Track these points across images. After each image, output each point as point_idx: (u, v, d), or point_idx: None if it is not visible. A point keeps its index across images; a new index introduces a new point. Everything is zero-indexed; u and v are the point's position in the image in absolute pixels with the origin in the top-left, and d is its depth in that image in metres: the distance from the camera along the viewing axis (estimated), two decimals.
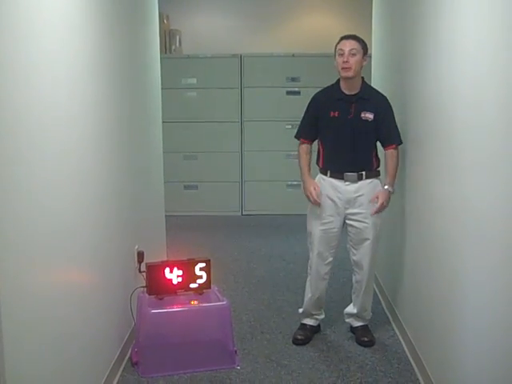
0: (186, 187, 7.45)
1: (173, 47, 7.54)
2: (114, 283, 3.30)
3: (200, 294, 3.51)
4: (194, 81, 7.36)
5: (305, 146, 3.66)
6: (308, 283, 3.75)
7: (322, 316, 3.83)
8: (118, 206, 3.37)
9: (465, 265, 2.57)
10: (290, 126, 7.10)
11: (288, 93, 7.40)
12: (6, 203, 1.90)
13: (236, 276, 4.99)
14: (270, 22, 7.93)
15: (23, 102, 2.05)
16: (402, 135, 3.58)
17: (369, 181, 3.54)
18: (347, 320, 3.82)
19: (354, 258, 3.66)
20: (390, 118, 3.55)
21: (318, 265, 3.64)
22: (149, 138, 4.33)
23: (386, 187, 3.52)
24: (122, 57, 3.49)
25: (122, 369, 3.35)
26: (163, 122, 4.88)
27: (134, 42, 3.87)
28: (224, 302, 3.44)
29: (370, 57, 5.15)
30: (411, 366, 3.38)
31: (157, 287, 3.43)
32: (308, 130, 3.65)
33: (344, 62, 3.45)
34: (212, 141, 7.34)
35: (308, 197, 3.57)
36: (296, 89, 7.39)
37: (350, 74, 3.44)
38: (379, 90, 3.67)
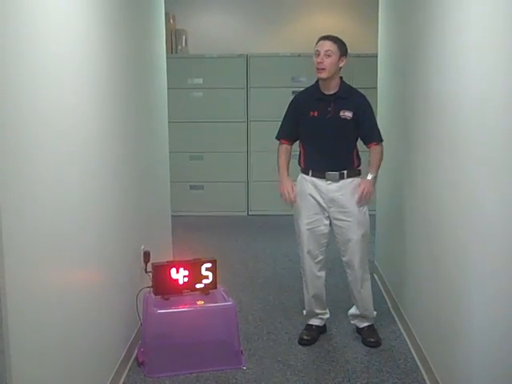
0: (191, 187, 7.45)
1: (179, 47, 7.54)
2: (120, 283, 3.31)
3: (206, 294, 3.51)
4: (200, 81, 7.36)
5: (284, 147, 3.68)
6: (304, 284, 3.75)
7: (327, 315, 3.82)
8: (125, 206, 3.37)
9: (471, 264, 2.57)
10: None
11: (294, 93, 7.31)
12: (12, 204, 1.90)
13: (242, 276, 4.99)
14: (275, 22, 7.92)
15: (28, 102, 2.05)
16: (405, 134, 3.59)
17: (350, 180, 3.53)
18: (352, 322, 3.81)
19: (344, 258, 3.66)
20: (370, 116, 3.56)
21: (310, 263, 3.64)
22: (155, 138, 4.34)
23: (368, 176, 3.54)
24: (129, 57, 3.49)
25: (128, 369, 3.35)
26: (169, 122, 4.88)
27: (140, 42, 3.87)
28: (230, 303, 3.44)
29: (376, 56, 5.16)
30: (417, 366, 3.38)
31: (163, 287, 3.44)
32: (288, 130, 3.66)
33: (319, 62, 3.48)
34: (218, 141, 7.34)
35: (282, 196, 3.59)
36: (302, 89, 7.35)
37: (323, 75, 3.47)
38: (359, 90, 3.63)
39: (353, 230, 3.54)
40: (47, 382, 2.23)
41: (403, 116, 4.02)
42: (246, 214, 7.28)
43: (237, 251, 5.72)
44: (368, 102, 3.56)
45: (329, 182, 3.53)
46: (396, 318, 4.04)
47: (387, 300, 4.38)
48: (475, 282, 2.53)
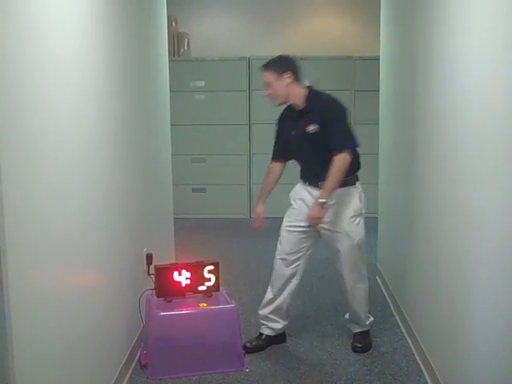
0: (194, 190, 7.46)
1: (181, 50, 7.56)
2: (123, 285, 3.31)
3: (208, 297, 3.52)
4: (203, 84, 7.37)
5: (272, 165, 3.66)
6: (270, 284, 3.69)
7: (280, 326, 3.69)
8: (127, 208, 3.38)
9: (472, 266, 2.57)
10: None
11: None
12: (16, 208, 1.91)
13: (244, 278, 4.99)
14: (278, 24, 7.94)
15: (29, 106, 2.04)
16: (407, 138, 3.51)
17: (342, 189, 3.40)
18: (347, 326, 3.78)
19: (336, 266, 3.60)
20: (334, 122, 3.34)
21: (281, 264, 3.59)
22: (157, 140, 4.35)
23: (318, 199, 3.34)
24: (131, 60, 3.50)
25: (130, 371, 3.36)
26: (171, 124, 4.89)
27: (142, 45, 3.89)
28: (232, 305, 3.44)
29: (378, 59, 5.16)
30: (420, 369, 3.37)
31: (165, 289, 3.44)
32: (277, 150, 3.64)
33: (266, 95, 3.49)
34: (220, 144, 7.35)
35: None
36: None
37: (276, 102, 3.47)
38: (330, 95, 3.48)
39: (341, 240, 3.46)
40: None
41: (405, 119, 4.02)
42: (248, 216, 7.28)
43: (239, 253, 5.73)
44: (333, 106, 3.39)
45: (321, 190, 3.42)
46: (398, 321, 4.04)
47: (389, 302, 4.38)
48: (477, 284, 2.53)
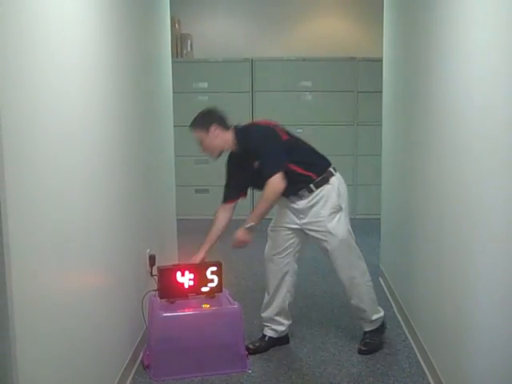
0: (197, 191, 7.47)
1: (184, 51, 7.57)
2: (126, 287, 3.32)
3: (211, 298, 3.52)
4: (206, 85, 7.38)
5: (221, 210, 3.68)
6: (266, 287, 3.72)
7: (283, 328, 3.71)
8: (130, 209, 3.38)
9: (476, 267, 2.57)
10: (301, 130, 7.10)
11: (299, 97, 7.41)
12: (19, 210, 1.91)
13: (247, 279, 4.99)
14: (280, 26, 7.95)
15: (30, 107, 2.04)
16: (410, 139, 3.50)
17: (318, 190, 3.44)
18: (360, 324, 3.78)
19: (333, 265, 3.61)
20: (260, 155, 3.35)
21: (271, 265, 3.63)
22: (160, 142, 4.35)
23: (246, 223, 3.42)
24: (134, 61, 3.51)
25: (133, 372, 3.36)
26: (174, 125, 4.89)
27: (145, 46, 3.89)
28: (235, 306, 3.44)
29: (381, 60, 5.16)
30: (423, 370, 3.37)
31: (168, 291, 3.44)
32: (229, 191, 3.64)
33: (201, 152, 3.58)
34: None
35: None
36: (307, 93, 7.40)
37: (213, 157, 3.55)
38: (247, 126, 3.56)
39: (326, 239, 3.47)
40: None
41: (408, 120, 4.02)
42: None
43: (242, 254, 5.70)
44: (254, 139, 3.41)
45: (297, 202, 3.48)
46: (401, 322, 4.04)
47: (392, 303, 4.38)
48: (480, 285, 2.53)
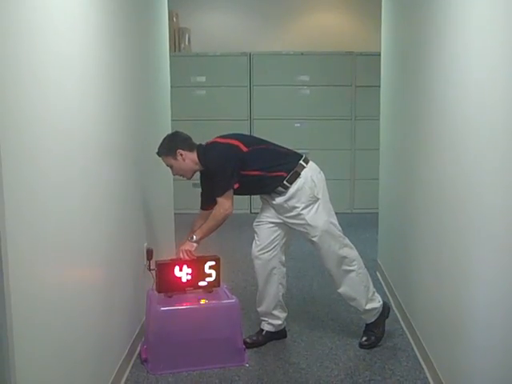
0: (194, 185, 7.31)
1: (182, 45, 7.55)
2: (123, 281, 3.32)
3: (209, 292, 3.53)
4: (203, 79, 7.37)
5: (201, 213, 3.85)
6: (258, 284, 3.73)
7: (280, 322, 3.72)
8: (128, 204, 3.39)
9: (474, 263, 2.57)
10: (298, 125, 7.12)
11: (297, 91, 7.40)
12: (15, 205, 1.90)
13: (245, 274, 5.00)
14: (279, 20, 7.94)
15: (29, 103, 2.04)
16: (407, 134, 3.51)
17: (291, 185, 3.48)
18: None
19: (318, 255, 3.64)
20: (213, 174, 3.51)
21: (258, 260, 3.63)
22: (158, 136, 4.34)
23: (192, 237, 3.51)
24: (131, 55, 3.50)
25: (131, 365, 3.37)
26: (172, 119, 4.89)
27: (143, 40, 3.88)
28: (233, 300, 3.45)
29: (379, 55, 5.16)
30: (420, 364, 3.38)
31: (166, 285, 3.45)
32: (204, 200, 3.89)
33: (174, 175, 3.74)
34: None
35: None
36: (305, 87, 7.39)
37: (186, 178, 3.67)
38: (208, 148, 3.60)
39: (307, 231, 3.50)
40: (51, 378, 2.24)
41: (406, 115, 4.02)
42: (248, 211, 7.28)
43: (240, 249, 5.73)
44: (211, 156, 3.53)
45: (274, 200, 3.56)
46: (399, 316, 4.05)
47: (390, 298, 4.39)
48: (477, 281, 2.54)
